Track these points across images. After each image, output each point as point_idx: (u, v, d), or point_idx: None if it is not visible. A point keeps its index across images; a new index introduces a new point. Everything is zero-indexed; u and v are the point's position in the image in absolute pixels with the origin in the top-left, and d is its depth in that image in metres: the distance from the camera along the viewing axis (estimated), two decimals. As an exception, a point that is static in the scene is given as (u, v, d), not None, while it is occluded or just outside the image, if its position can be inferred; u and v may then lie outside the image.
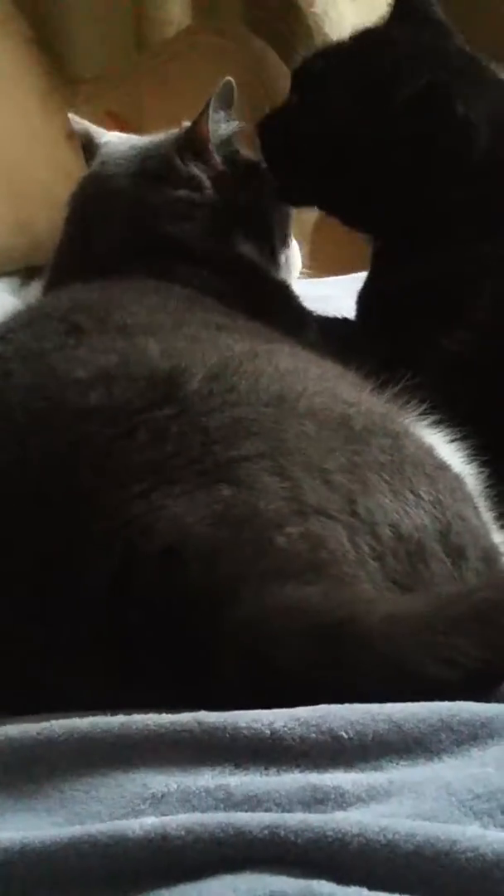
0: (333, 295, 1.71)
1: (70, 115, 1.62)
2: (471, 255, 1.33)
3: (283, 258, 1.53)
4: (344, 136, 1.41)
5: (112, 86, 3.29)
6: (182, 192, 1.44)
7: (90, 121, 1.64)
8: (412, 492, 1.02)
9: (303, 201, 1.53)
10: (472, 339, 1.27)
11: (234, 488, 0.96)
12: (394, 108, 1.36)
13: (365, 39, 1.48)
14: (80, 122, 1.59)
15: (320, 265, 2.39)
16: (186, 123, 1.52)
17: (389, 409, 1.11)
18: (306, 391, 1.05)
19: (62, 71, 3.44)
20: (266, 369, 1.06)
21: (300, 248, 1.60)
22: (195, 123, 1.49)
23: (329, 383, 1.08)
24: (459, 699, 0.86)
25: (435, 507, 1.02)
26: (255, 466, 0.97)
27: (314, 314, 1.47)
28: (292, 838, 0.72)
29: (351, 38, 1.49)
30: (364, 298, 1.49)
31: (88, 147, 1.57)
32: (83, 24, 3.53)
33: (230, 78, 1.52)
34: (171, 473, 0.96)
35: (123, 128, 1.84)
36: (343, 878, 0.70)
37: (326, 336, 1.38)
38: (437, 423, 1.16)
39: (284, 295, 1.45)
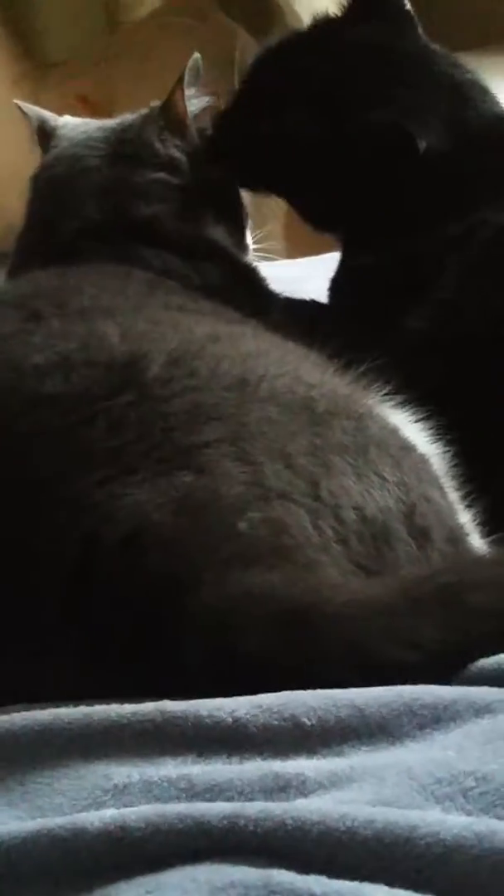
0: (304, 276, 1.70)
1: (16, 102, 1.60)
2: (435, 237, 1.33)
3: (248, 239, 1.53)
4: (297, 139, 1.41)
5: (83, 69, 3.28)
6: (160, 175, 1.43)
7: (61, 105, 1.63)
8: (376, 473, 1.01)
9: (260, 190, 1.52)
10: (434, 317, 1.27)
11: (195, 475, 0.95)
12: (347, 124, 1.36)
13: (318, 39, 1.47)
14: (29, 108, 1.58)
15: (295, 245, 2.38)
16: (156, 103, 1.51)
17: (353, 390, 1.11)
18: (268, 374, 1.04)
19: (32, 56, 3.42)
20: (227, 353, 1.05)
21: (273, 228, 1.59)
22: (172, 101, 1.48)
23: (291, 366, 1.08)
24: (422, 683, 0.85)
25: (399, 489, 1.02)
26: (216, 452, 0.97)
27: (281, 296, 1.46)
28: (252, 827, 0.71)
29: (307, 30, 1.48)
30: (334, 281, 1.48)
31: (42, 131, 1.55)
32: (53, 7, 3.51)
33: (198, 54, 1.51)
34: (131, 461, 0.95)
35: (95, 112, 1.82)
36: (303, 866, 0.70)
37: (293, 318, 1.37)
38: (402, 404, 1.15)
39: (250, 277, 1.44)
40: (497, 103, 1.45)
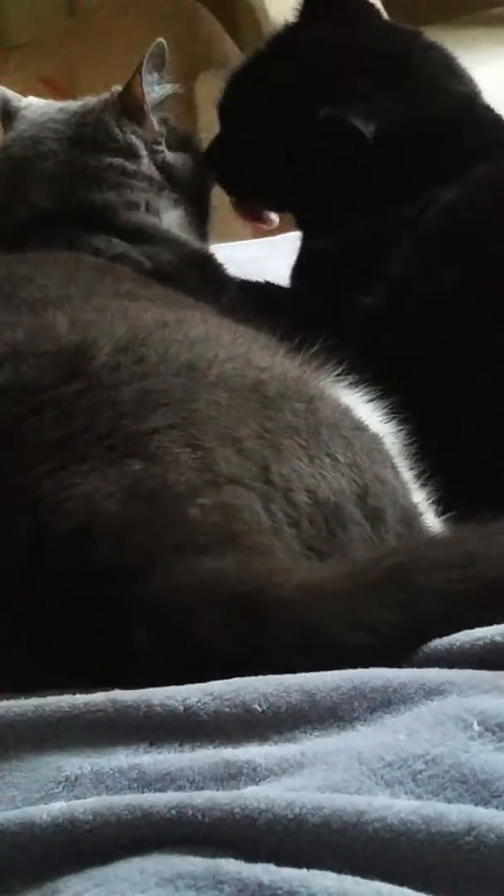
0: (264, 255, 1.69)
1: None
2: (391, 216, 1.33)
3: (209, 226, 1.52)
4: (262, 143, 1.44)
5: (44, 52, 3.26)
6: (116, 160, 1.42)
7: (24, 88, 1.62)
8: (328, 455, 1.01)
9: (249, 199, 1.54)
10: (386, 294, 1.27)
11: (144, 462, 0.94)
12: (300, 124, 1.38)
13: (276, 47, 1.50)
14: None
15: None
16: (117, 88, 1.50)
17: (304, 372, 1.10)
18: (217, 358, 1.03)
19: (-7, 38, 3.40)
20: (176, 338, 1.04)
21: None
22: (129, 86, 1.47)
23: (241, 349, 1.07)
24: (375, 666, 0.85)
25: (352, 470, 1.02)
26: (165, 438, 0.96)
27: (235, 278, 1.45)
28: (199, 817, 0.71)
29: (268, 41, 1.51)
30: (296, 263, 1.48)
31: (6, 112, 1.54)
32: (14, -11, 3.49)
33: (161, 39, 1.50)
34: (80, 450, 0.95)
35: (59, 94, 1.81)
36: (252, 855, 0.70)
37: (247, 300, 1.37)
38: (355, 384, 1.15)
39: (202, 262, 1.43)
40: (464, 82, 1.45)
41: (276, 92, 1.42)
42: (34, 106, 1.53)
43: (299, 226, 1.50)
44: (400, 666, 0.86)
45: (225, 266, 1.46)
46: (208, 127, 3.01)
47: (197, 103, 3.12)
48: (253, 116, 1.45)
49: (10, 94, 1.56)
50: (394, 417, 1.15)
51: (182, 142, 1.53)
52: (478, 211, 1.29)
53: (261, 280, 1.51)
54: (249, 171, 1.47)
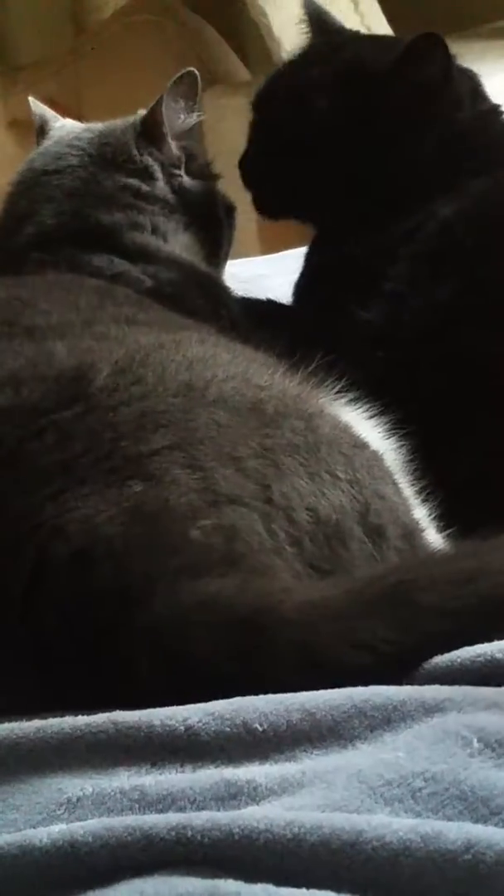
0: (266, 273, 1.70)
1: (30, 99, 1.63)
2: (389, 231, 1.34)
3: (223, 253, 1.53)
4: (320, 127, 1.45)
5: (50, 72, 3.28)
6: (131, 181, 1.44)
7: (29, 107, 1.64)
8: (328, 472, 1.01)
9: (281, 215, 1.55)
10: (383, 309, 1.27)
11: (144, 483, 0.95)
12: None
13: (305, 59, 1.52)
14: (38, 106, 1.60)
15: (270, 245, 2.38)
16: (143, 111, 1.52)
17: (303, 389, 1.10)
18: (215, 378, 1.04)
19: (0, 59, 3.42)
20: (173, 359, 1.05)
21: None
22: (151, 110, 1.49)
23: (240, 368, 1.07)
24: (375, 684, 0.85)
25: (353, 487, 1.02)
26: (165, 459, 0.96)
27: (237, 296, 1.46)
28: (199, 838, 0.71)
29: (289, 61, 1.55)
30: (299, 281, 1.49)
31: (41, 130, 1.57)
32: (20, 9, 3.50)
33: (193, 69, 1.51)
34: (80, 473, 0.95)
35: (63, 114, 1.82)
36: (251, 875, 0.70)
37: (248, 318, 1.38)
38: (355, 401, 1.15)
39: (203, 281, 1.43)
40: (485, 100, 1.46)
41: (333, 76, 1.44)
42: (68, 127, 1.56)
43: (321, 238, 1.50)
44: (400, 683, 0.86)
45: (227, 285, 1.47)
46: (214, 143, 3.03)
47: (203, 120, 3.13)
48: (305, 105, 1.45)
49: (49, 114, 1.58)
50: (394, 434, 1.15)
51: (206, 173, 1.54)
52: (473, 226, 1.29)
53: (262, 298, 1.52)
54: (282, 182, 1.48)
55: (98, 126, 1.53)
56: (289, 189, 1.47)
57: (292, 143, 1.43)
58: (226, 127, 3.00)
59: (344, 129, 1.40)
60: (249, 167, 1.51)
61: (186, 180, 1.49)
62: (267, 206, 1.52)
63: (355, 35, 1.59)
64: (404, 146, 1.39)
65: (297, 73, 1.49)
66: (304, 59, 1.51)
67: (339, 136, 1.40)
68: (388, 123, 1.40)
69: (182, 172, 1.49)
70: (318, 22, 1.53)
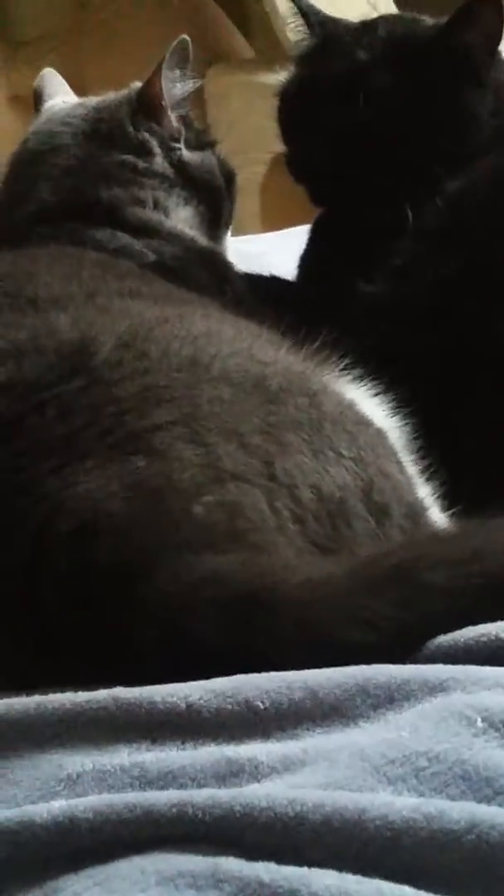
0: (269, 251, 1.69)
1: (49, 69, 1.60)
2: (397, 206, 1.33)
3: (225, 226, 1.51)
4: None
5: (53, 47, 3.26)
6: (128, 157, 1.42)
7: (32, 83, 1.62)
8: (332, 450, 1.00)
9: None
10: (390, 283, 1.27)
11: (147, 459, 0.94)
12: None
13: (324, 52, 1.51)
14: (41, 79, 1.57)
15: (272, 222, 2.37)
16: (137, 84, 1.50)
17: (307, 366, 1.09)
18: (220, 353, 1.03)
19: (2, 35, 3.40)
20: (178, 334, 1.04)
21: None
22: (148, 83, 1.46)
23: (244, 344, 1.06)
24: (378, 662, 0.84)
25: (356, 465, 1.01)
26: (168, 435, 0.96)
27: (241, 273, 1.45)
28: (200, 815, 0.71)
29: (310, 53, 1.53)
30: (302, 255, 1.48)
31: (37, 105, 1.55)
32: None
33: (185, 36, 1.49)
34: (83, 447, 0.94)
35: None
36: (252, 853, 0.69)
37: (253, 295, 1.37)
38: (359, 378, 1.14)
39: (207, 257, 1.42)
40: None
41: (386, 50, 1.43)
42: (59, 102, 1.53)
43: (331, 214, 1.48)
44: (404, 662, 0.85)
45: (231, 261, 1.46)
46: (217, 122, 3.02)
47: (206, 98, 3.12)
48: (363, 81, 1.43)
49: (49, 88, 1.55)
50: (399, 411, 1.14)
51: (203, 141, 1.52)
52: (479, 203, 1.29)
53: (266, 274, 1.51)
54: (338, 169, 1.46)
55: (92, 101, 1.51)
56: (341, 175, 1.45)
57: (351, 128, 1.41)
58: (230, 104, 3.00)
59: (403, 104, 1.39)
60: (303, 163, 1.48)
61: (186, 153, 1.47)
62: (324, 196, 1.49)
63: (381, 17, 1.56)
64: (438, 117, 1.38)
65: (335, 60, 1.46)
66: (332, 47, 1.48)
67: (398, 112, 1.39)
68: (430, 93, 1.38)
69: (181, 146, 1.47)
70: (311, 14, 1.52)
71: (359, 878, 0.67)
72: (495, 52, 1.40)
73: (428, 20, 1.47)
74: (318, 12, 1.52)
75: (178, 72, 1.46)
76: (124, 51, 3.08)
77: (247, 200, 2.83)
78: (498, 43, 1.39)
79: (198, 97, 3.12)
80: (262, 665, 0.84)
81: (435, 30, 1.42)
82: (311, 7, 1.52)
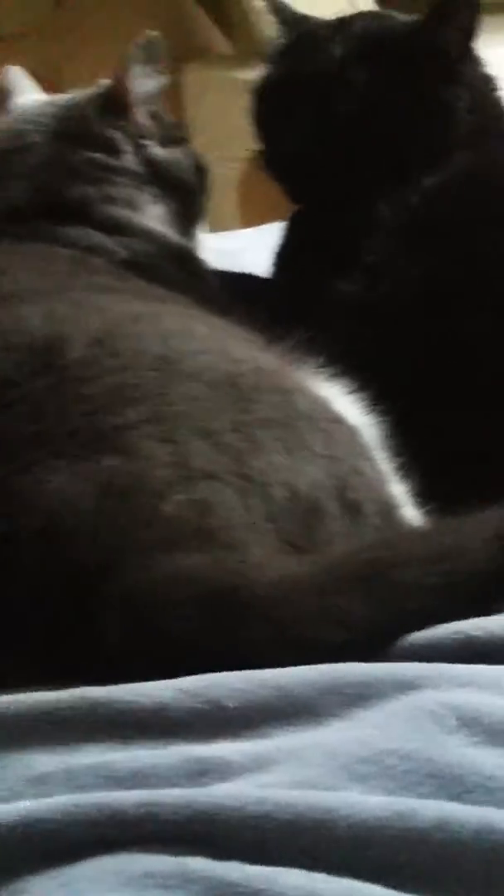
0: (244, 248, 1.68)
1: (11, 69, 1.58)
2: (378, 203, 1.32)
3: (199, 223, 1.50)
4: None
5: (30, 44, 3.24)
6: (98, 155, 1.41)
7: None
8: (305, 448, 1.00)
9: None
10: (365, 281, 1.26)
11: (118, 457, 0.93)
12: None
13: (299, 49, 1.49)
14: (6, 77, 1.55)
15: (251, 218, 2.36)
16: (105, 81, 1.48)
17: (281, 364, 1.09)
18: (192, 351, 1.02)
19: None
20: (150, 332, 1.03)
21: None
22: (115, 80, 1.45)
23: (217, 342, 1.06)
24: (350, 660, 0.84)
25: (330, 463, 1.01)
26: (139, 433, 0.95)
27: (215, 270, 1.44)
28: (168, 815, 0.70)
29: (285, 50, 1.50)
30: (279, 252, 1.47)
31: (2, 103, 1.53)
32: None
33: (156, 32, 1.48)
34: (52, 446, 0.94)
35: (43, 86, 1.80)
36: (221, 853, 0.69)
37: (226, 292, 1.36)
38: (334, 376, 1.14)
39: (180, 254, 1.41)
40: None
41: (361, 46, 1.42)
42: (27, 99, 1.52)
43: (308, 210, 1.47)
44: (376, 660, 0.85)
45: (205, 258, 1.45)
46: (195, 118, 3.01)
47: (184, 95, 3.11)
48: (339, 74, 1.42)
49: (14, 85, 1.54)
50: (373, 409, 1.14)
51: (174, 137, 1.51)
52: (453, 199, 1.28)
53: (240, 271, 1.50)
54: (317, 167, 1.44)
55: (61, 99, 1.49)
56: (316, 172, 1.44)
57: (326, 125, 1.40)
58: (208, 100, 2.99)
59: (378, 100, 1.38)
60: (279, 160, 1.47)
61: (156, 150, 1.46)
62: (300, 193, 1.48)
63: (356, 14, 1.55)
64: (414, 112, 1.37)
65: (310, 57, 1.45)
66: (306, 44, 1.47)
67: (374, 108, 1.38)
68: (406, 89, 1.38)
69: (151, 143, 1.46)
70: (283, 11, 1.51)
71: (328, 877, 0.67)
72: (470, 47, 1.39)
73: (403, 17, 1.47)
74: (290, 9, 1.51)
75: (146, 68, 1.45)
76: (101, 49, 3.07)
77: (226, 197, 2.82)
78: (472, 39, 1.38)
79: (175, 93, 3.11)
80: (232, 664, 0.84)
81: (411, 26, 1.41)
82: (283, 4, 1.52)
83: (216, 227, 2.14)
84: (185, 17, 3.15)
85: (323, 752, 0.75)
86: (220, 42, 3.22)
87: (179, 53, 3.13)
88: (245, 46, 3.01)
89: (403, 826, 0.68)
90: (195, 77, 3.09)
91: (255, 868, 0.67)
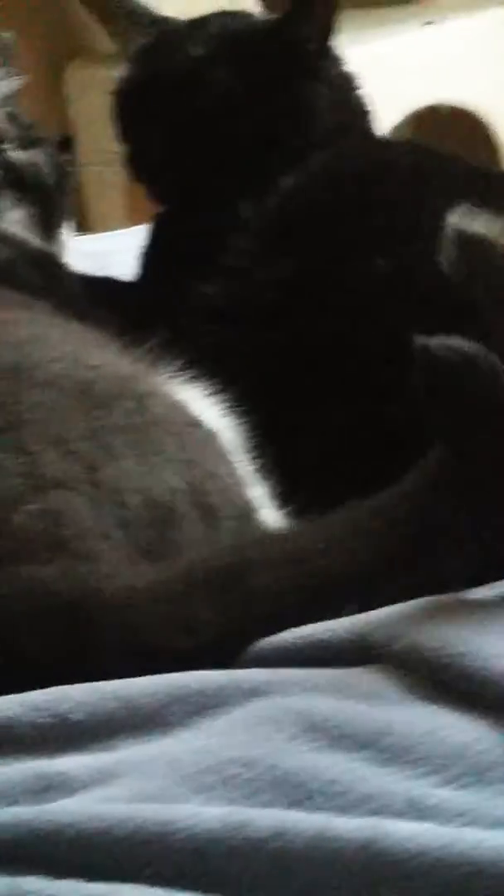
0: (112, 250, 1.67)
1: None
2: (240, 204, 1.32)
3: (63, 227, 1.49)
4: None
5: None
6: None
7: None
8: (159, 453, 0.99)
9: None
10: (225, 284, 1.26)
11: None
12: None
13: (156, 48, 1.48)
14: None
15: (138, 219, 2.35)
16: None
17: (137, 369, 1.08)
18: (44, 359, 1.01)
19: None
20: (2, 339, 1.02)
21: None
22: None
23: (71, 348, 1.05)
24: (201, 668, 0.84)
25: (185, 468, 1.00)
26: None
27: (78, 274, 1.43)
28: (2, 834, 0.69)
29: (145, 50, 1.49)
30: (141, 253, 1.46)
31: None
32: None
33: (8, 33, 1.46)
34: None
35: None
36: (59, 871, 0.68)
37: (87, 296, 1.35)
38: (193, 379, 1.13)
39: (40, 259, 1.40)
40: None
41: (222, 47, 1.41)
42: None
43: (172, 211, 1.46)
44: (226, 667, 0.84)
45: (69, 261, 1.44)
46: (77, 118, 2.98)
47: (66, 94, 3.08)
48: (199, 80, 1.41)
49: None
50: (233, 411, 1.13)
51: (33, 138, 1.49)
52: (308, 200, 1.28)
53: (105, 275, 1.49)
54: (179, 167, 1.43)
55: None
56: (177, 172, 1.43)
57: (186, 124, 1.40)
58: (91, 99, 2.96)
59: (238, 99, 1.38)
60: (140, 160, 1.46)
61: (13, 154, 1.44)
62: (161, 194, 1.47)
63: (212, 14, 1.54)
64: (273, 111, 1.37)
65: (169, 56, 1.44)
66: (166, 43, 1.47)
67: (233, 107, 1.38)
68: (265, 87, 1.37)
69: (8, 147, 1.44)
70: (140, 13, 1.50)
71: (166, 891, 0.66)
72: (329, 45, 1.40)
73: (262, 16, 1.47)
74: (147, 11, 1.50)
75: (2, 70, 1.43)
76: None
77: (111, 197, 2.81)
78: (330, 34, 1.38)
79: (57, 94, 3.09)
80: (83, 676, 0.83)
81: (269, 24, 1.41)
82: (140, 6, 1.51)
83: (104, 227, 2.13)
84: (67, 15, 3.12)
85: (166, 763, 0.75)
86: (103, 40, 3.19)
87: (63, 52, 3.11)
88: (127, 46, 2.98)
89: (238, 837, 0.67)
90: (77, 75, 3.07)
91: (93, 885, 0.67)
